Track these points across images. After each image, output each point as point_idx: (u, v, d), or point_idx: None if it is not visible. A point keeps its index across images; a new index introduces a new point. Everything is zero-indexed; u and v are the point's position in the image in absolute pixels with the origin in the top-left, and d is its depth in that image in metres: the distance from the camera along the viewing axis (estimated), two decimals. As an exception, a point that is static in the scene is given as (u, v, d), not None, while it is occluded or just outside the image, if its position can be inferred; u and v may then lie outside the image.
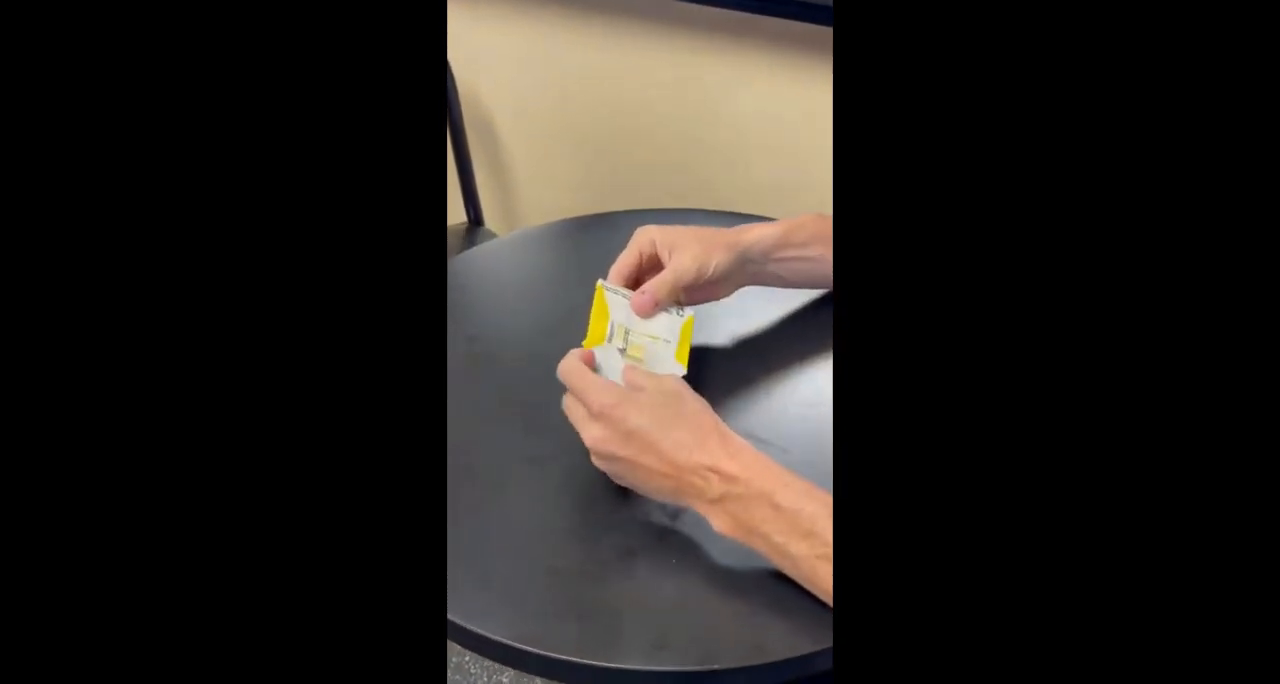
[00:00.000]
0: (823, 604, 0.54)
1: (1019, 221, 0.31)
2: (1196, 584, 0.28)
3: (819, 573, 0.52)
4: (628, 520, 0.63)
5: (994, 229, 0.31)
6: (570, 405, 0.63)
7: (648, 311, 0.69)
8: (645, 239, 0.72)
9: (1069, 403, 0.30)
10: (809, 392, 0.74)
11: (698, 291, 0.73)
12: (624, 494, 0.64)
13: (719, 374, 0.76)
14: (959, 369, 0.32)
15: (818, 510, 0.52)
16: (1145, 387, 0.29)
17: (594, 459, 0.61)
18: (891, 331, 0.32)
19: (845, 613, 0.33)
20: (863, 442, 0.33)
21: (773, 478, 0.54)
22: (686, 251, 0.70)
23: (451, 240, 1.46)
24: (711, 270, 0.70)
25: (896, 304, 0.32)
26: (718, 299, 0.76)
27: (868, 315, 0.33)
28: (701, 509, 0.57)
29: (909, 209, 0.32)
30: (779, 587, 0.56)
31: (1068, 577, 0.30)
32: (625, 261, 0.72)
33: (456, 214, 1.50)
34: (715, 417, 0.59)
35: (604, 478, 0.62)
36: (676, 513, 0.63)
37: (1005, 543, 0.31)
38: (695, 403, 0.59)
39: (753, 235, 0.73)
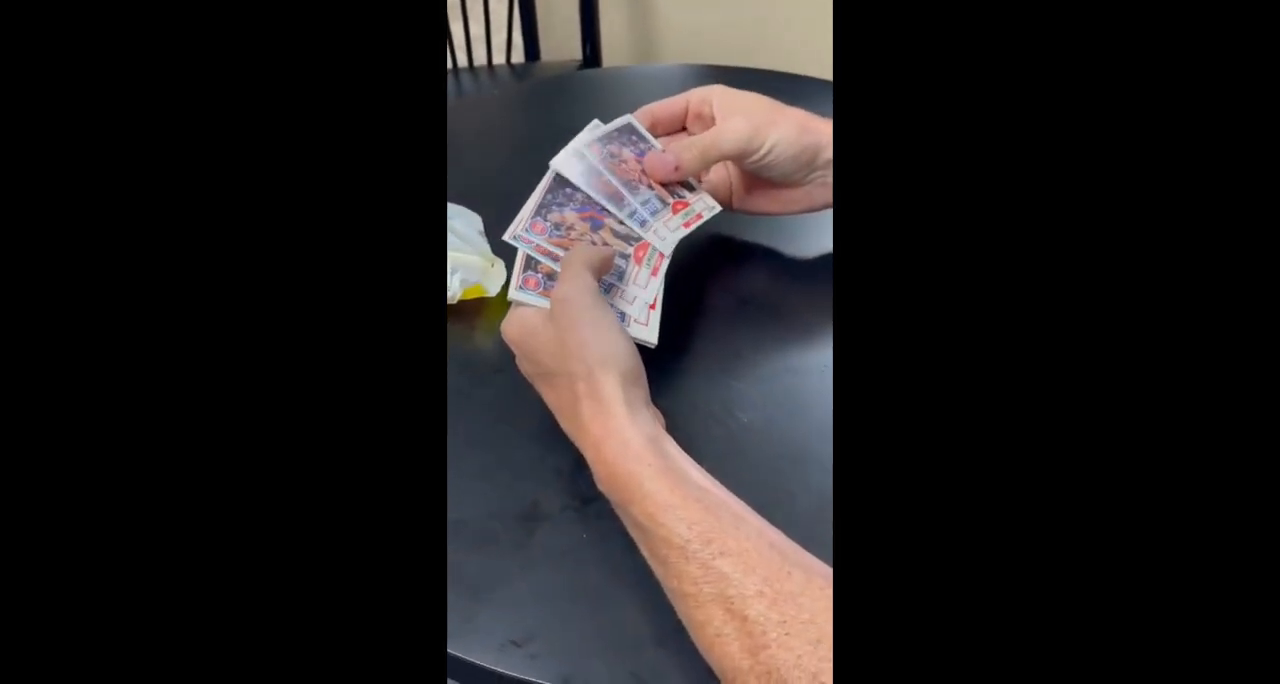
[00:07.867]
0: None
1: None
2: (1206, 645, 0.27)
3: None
4: (542, 468, 0.51)
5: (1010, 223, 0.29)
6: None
7: (663, 175, 0.53)
8: (701, 95, 0.55)
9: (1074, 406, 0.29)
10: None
11: (752, 185, 0.57)
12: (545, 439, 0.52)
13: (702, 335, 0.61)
14: (960, 369, 0.30)
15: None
16: (1154, 402, 0.28)
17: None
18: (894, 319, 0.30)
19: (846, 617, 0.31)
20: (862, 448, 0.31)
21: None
22: (742, 117, 0.53)
23: (553, 77, 1.31)
24: (768, 145, 0.53)
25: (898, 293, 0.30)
26: (777, 209, 0.58)
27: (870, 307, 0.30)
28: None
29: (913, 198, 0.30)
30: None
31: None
32: (666, 107, 0.56)
33: (571, 50, 1.34)
34: None
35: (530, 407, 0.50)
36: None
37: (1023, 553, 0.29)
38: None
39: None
